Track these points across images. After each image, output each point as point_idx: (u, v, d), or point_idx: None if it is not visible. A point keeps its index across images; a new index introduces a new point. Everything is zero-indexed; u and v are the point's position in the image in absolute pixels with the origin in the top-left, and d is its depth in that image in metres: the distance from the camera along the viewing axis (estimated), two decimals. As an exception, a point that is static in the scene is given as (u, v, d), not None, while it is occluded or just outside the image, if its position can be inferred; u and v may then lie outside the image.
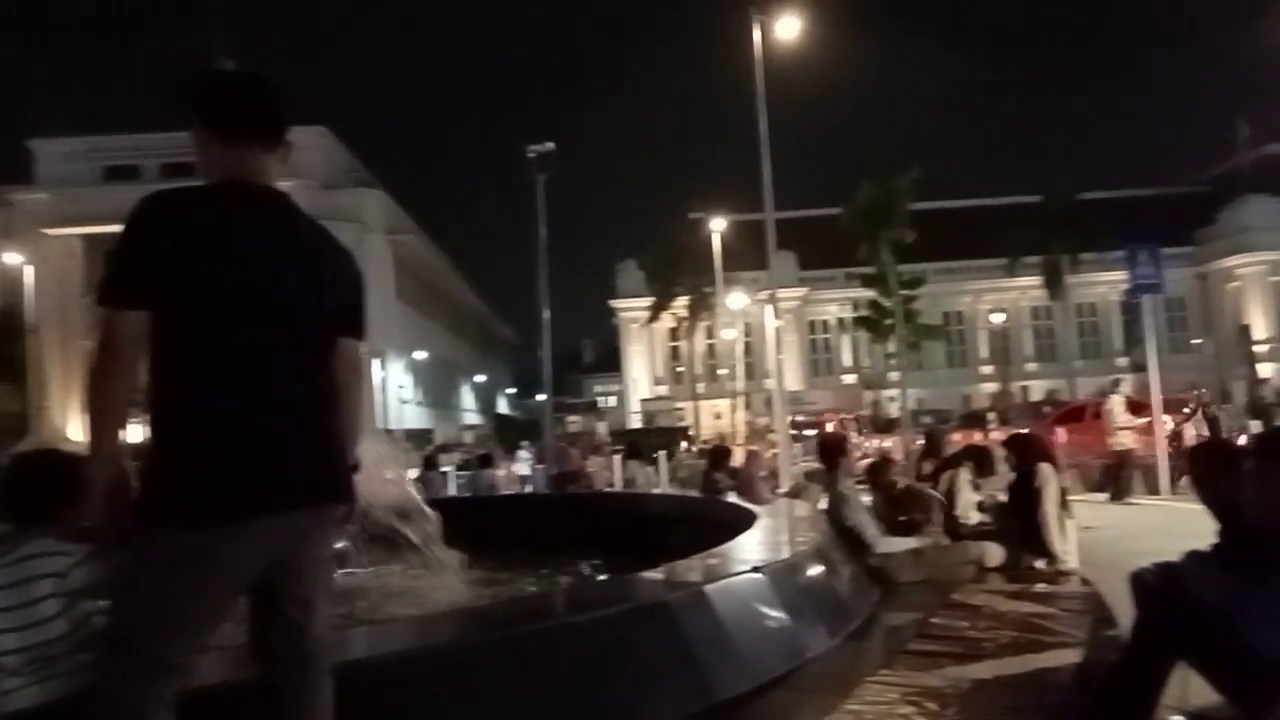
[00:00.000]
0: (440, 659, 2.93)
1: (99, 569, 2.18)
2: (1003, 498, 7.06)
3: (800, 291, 50.23)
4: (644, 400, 51.03)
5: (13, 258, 37.03)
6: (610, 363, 60.90)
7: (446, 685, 2.85)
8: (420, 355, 53.98)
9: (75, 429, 41.09)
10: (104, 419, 2.11)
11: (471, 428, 58.90)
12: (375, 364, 40.33)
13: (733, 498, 8.27)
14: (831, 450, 6.61)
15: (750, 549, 4.83)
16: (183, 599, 2.05)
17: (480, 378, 78.31)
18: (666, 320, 48.89)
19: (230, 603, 2.18)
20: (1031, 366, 55.02)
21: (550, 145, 14.17)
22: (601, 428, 45.13)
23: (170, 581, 2.04)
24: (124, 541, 2.12)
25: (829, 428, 27.46)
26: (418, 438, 38.11)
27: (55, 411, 41.81)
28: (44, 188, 44.93)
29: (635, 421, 47.71)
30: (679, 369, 52.77)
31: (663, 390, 52.71)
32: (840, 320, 53.39)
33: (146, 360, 2.13)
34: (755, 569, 4.11)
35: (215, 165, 2.27)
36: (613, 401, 59.41)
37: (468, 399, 74.80)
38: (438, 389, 62.26)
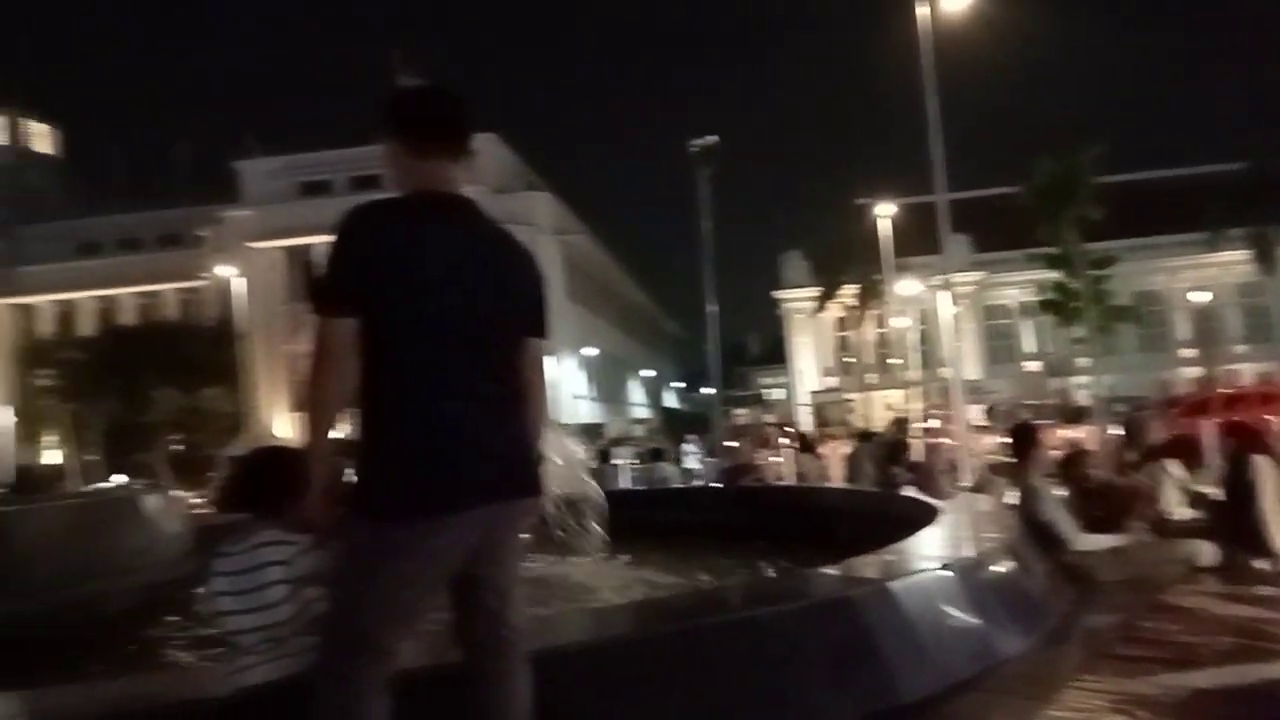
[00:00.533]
0: (625, 649, 2.99)
1: (319, 558, 2.36)
2: (1214, 492, 6.50)
3: (976, 276, 47.94)
4: (813, 392, 50.21)
5: (225, 270, 40.55)
6: (776, 355, 60.20)
7: (630, 675, 2.91)
8: (590, 352, 55.26)
9: (281, 427, 44.63)
10: (319, 419, 2.27)
11: (640, 422, 59.79)
12: (550, 361, 41.57)
13: (911, 492, 8.01)
14: (1022, 441, 6.27)
15: (934, 545, 4.67)
16: (393, 587, 2.19)
17: (648, 372, 79.36)
18: (834, 310, 47.85)
19: (435, 591, 2.31)
20: (1241, 348, 50.30)
21: (713, 139, 14.17)
22: (769, 420, 44.78)
23: (382, 570, 2.18)
24: (340, 533, 2.29)
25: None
26: (590, 432, 39.09)
27: (263, 411, 45.50)
28: (249, 204, 48.98)
29: (804, 414, 47.01)
30: (848, 359, 51.55)
31: (832, 381, 51.66)
32: (1021, 304, 50.63)
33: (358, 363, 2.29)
34: (942, 565, 3.97)
35: (407, 176, 2.40)
36: (780, 394, 58.73)
37: (636, 393, 75.99)
38: (608, 384, 63.58)
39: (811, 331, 52.43)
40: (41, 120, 66.11)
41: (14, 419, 45.02)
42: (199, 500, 18.26)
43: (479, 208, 2.45)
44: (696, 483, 19.94)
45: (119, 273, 54.24)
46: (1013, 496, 6.50)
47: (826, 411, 43.45)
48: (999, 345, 52.36)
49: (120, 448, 43.32)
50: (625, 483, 16.58)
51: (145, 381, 42.74)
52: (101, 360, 45.10)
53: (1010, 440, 6.04)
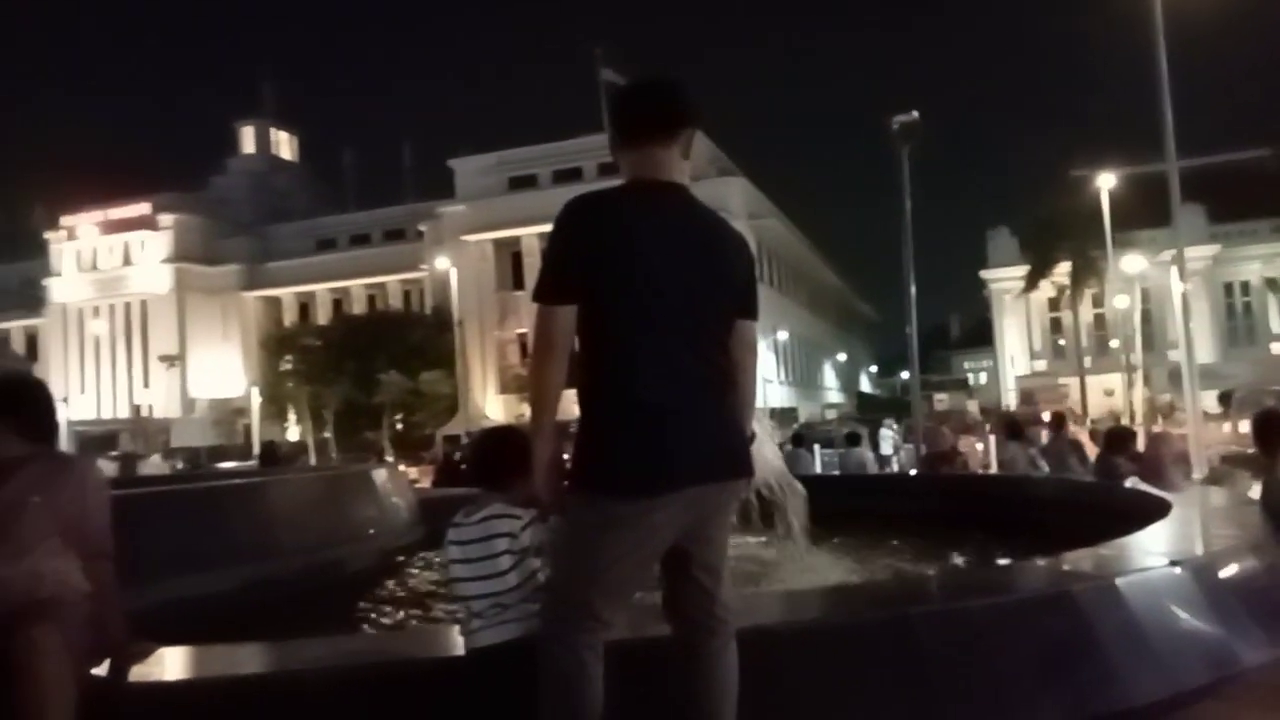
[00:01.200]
0: (834, 633, 3.00)
1: (541, 531, 2.53)
2: None
3: (1211, 249, 43.58)
4: (1020, 377, 47.45)
5: (442, 262, 43.23)
6: (980, 337, 57.35)
7: (838, 660, 2.92)
8: (782, 336, 54.76)
9: (492, 408, 47.09)
10: (543, 402, 2.43)
11: (833, 406, 58.69)
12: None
13: (1135, 484, 7.45)
14: (1269, 431, 5.69)
15: (1164, 540, 4.35)
16: (611, 560, 2.31)
17: (841, 356, 77.70)
18: (1045, 289, 44.91)
19: (650, 566, 2.43)
20: None
21: (914, 114, 13.65)
22: (972, 406, 42.75)
23: (600, 544, 2.31)
24: (562, 508, 2.45)
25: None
26: (782, 416, 38.80)
27: (475, 392, 48.18)
28: (462, 200, 51.93)
29: (1010, 399, 44.52)
30: (1060, 342, 48.31)
31: (1041, 365, 48.62)
32: (1267, 280, 45.62)
33: (577, 348, 2.43)
34: (1171, 562, 3.71)
35: (625, 166, 2.52)
36: (984, 378, 55.86)
37: (829, 378, 74.61)
38: (800, 368, 62.80)
39: (1020, 312, 49.51)
40: (283, 129, 72.83)
41: (260, 400, 49.98)
42: (417, 475, 19.67)
43: (690, 194, 2.53)
44: (894, 469, 19.42)
45: (351, 266, 59.17)
46: (1256, 491, 5.92)
47: (1036, 396, 40.86)
48: (1238, 325, 47.41)
49: (350, 427, 47.25)
50: (818, 469, 16.36)
51: (373, 366, 46.24)
52: (335, 347, 49.19)
53: (1254, 430, 5.47)
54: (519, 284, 50.07)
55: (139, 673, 2.74)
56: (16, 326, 63.49)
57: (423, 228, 54.28)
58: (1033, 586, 3.55)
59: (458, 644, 2.63)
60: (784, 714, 2.76)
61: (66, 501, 2.65)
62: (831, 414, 48.76)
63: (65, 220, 62.15)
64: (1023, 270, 44.95)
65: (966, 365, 63.05)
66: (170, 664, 2.85)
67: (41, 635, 2.37)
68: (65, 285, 61.73)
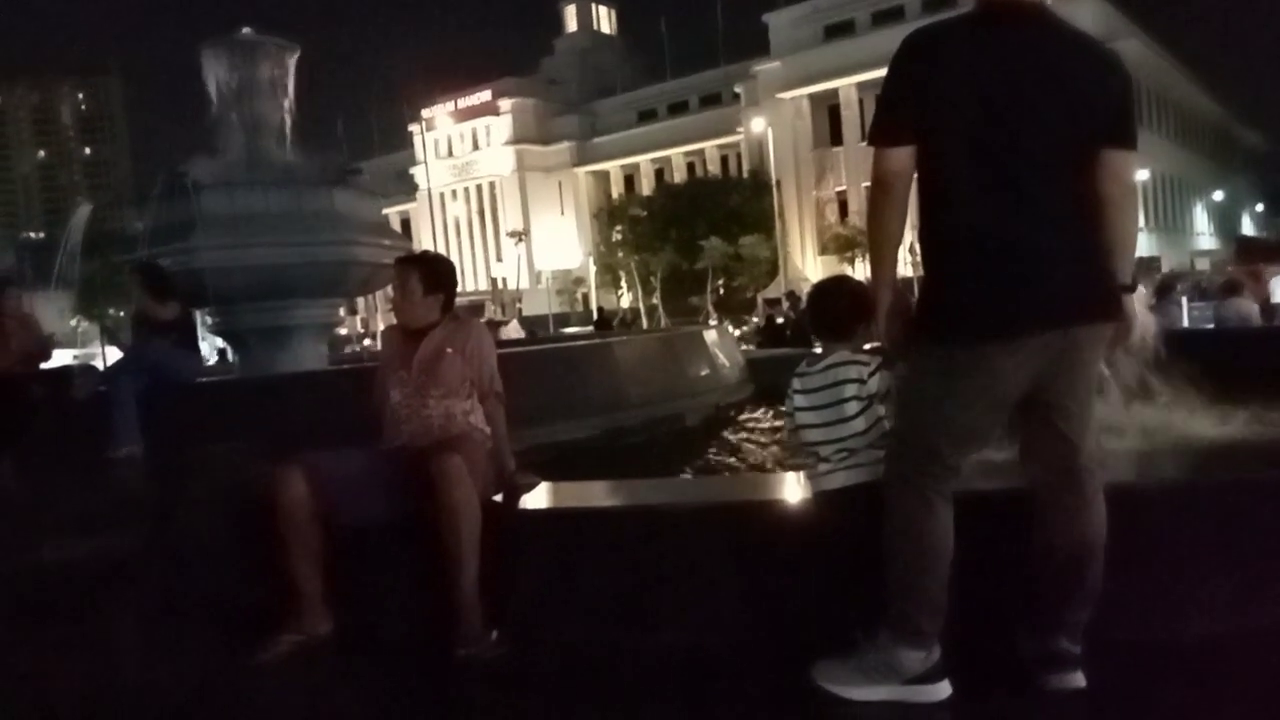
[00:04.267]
0: (1211, 491, 2.73)
1: (888, 378, 2.51)
2: None
3: None
4: None
5: (758, 124, 42.86)
6: None
7: (1213, 519, 2.67)
8: (1141, 174, 48.36)
9: (811, 270, 46.80)
10: (882, 249, 2.38)
11: (1205, 253, 51.38)
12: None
13: None
14: None
15: None
16: (955, 407, 2.26)
17: (1217, 195, 67.32)
18: None
19: (1000, 413, 2.32)
20: None
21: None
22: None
23: (943, 391, 2.26)
24: (906, 355, 2.41)
25: None
26: (1142, 265, 34.71)
27: (795, 255, 48.08)
28: (776, 56, 50.62)
29: None
30: None
31: None
32: None
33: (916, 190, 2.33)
34: None
35: None
36: None
37: (1201, 221, 65.19)
38: (1164, 211, 55.44)
39: None
40: (602, 3, 74.82)
41: (594, 269, 53.52)
42: (741, 336, 20.21)
43: (1049, 14, 2.27)
44: (1284, 323, 16.74)
45: (670, 135, 60.69)
46: None
47: None
48: None
49: (676, 291, 49.38)
50: (1186, 323, 14.52)
51: (696, 232, 47.61)
52: (659, 216, 51.12)
53: None
54: (836, 140, 48.44)
55: (527, 501, 3.15)
56: (394, 212, 72.62)
57: (738, 89, 53.84)
58: None
59: (805, 486, 2.72)
60: (1149, 574, 2.59)
61: (470, 353, 3.25)
62: (1202, 262, 42.78)
63: (425, 113, 69.13)
64: None
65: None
66: (550, 496, 3.24)
67: (455, 464, 2.84)
68: (428, 172, 69.34)
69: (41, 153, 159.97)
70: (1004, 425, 2.40)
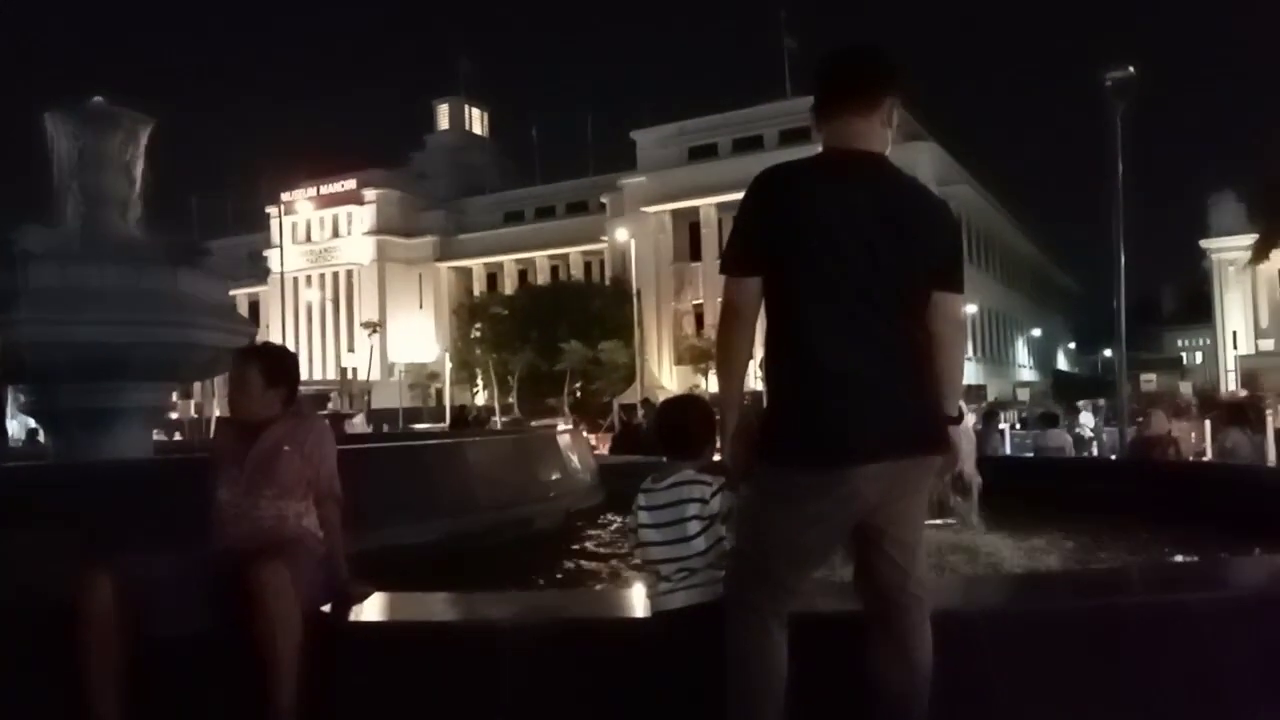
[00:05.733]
0: (1034, 620, 2.87)
1: (730, 498, 2.56)
2: None
3: None
4: (1243, 356, 43.26)
5: (621, 234, 44.02)
6: (1196, 313, 52.69)
7: (1038, 649, 2.79)
8: (971, 309, 52.29)
9: (667, 379, 47.73)
10: (729, 371, 2.45)
11: (1026, 384, 55.61)
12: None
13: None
14: None
15: None
16: (795, 530, 2.32)
17: (1036, 331, 73.33)
18: (1277, 260, 40.67)
19: (836, 538, 2.40)
20: None
21: (1130, 70, 12.60)
22: (1185, 388, 39.40)
23: (785, 514, 2.32)
24: (748, 477, 2.46)
25: None
26: (970, 394, 37.12)
27: (653, 362, 48.93)
28: (643, 171, 52.56)
29: (1229, 382, 40.72)
30: (1294, 319, 43.66)
31: (1268, 345, 44.12)
32: None
33: (762, 320, 2.43)
34: None
35: (823, 136, 2.48)
36: (1199, 358, 51.21)
37: (1022, 354, 70.65)
38: (989, 343, 59.84)
39: (1244, 285, 45.08)
40: (476, 105, 76.04)
41: (451, 365, 52.74)
42: (595, 441, 20.23)
43: (885, 164, 2.46)
44: (1094, 454, 18.18)
45: (536, 238, 61.45)
46: None
47: (1261, 379, 37.17)
48: None
49: (534, 392, 49.14)
50: (1007, 449, 15.53)
51: (556, 334, 47.84)
52: (520, 316, 51.21)
53: None
54: (696, 255, 50.23)
55: (357, 613, 2.99)
56: (242, 294, 69.82)
57: (604, 199, 55.36)
58: (1256, 584, 3.25)
59: (645, 605, 2.70)
60: (976, 701, 2.68)
61: (310, 452, 3.09)
62: (1024, 393, 46.20)
63: (284, 196, 67.56)
64: (1250, 239, 40.83)
65: (1180, 343, 57.96)
66: (384, 608, 3.08)
67: (278, 572, 2.66)
68: (283, 256, 67.32)
69: None
70: (843, 547, 2.48)
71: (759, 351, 2.40)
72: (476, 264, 64.63)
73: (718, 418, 2.52)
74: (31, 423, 10.97)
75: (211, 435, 3.50)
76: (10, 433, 6.83)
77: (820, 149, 2.47)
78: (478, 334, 54.56)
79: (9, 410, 6.09)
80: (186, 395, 23.65)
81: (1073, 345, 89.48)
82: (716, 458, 2.64)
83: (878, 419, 2.27)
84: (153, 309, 7.28)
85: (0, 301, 6.92)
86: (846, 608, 2.56)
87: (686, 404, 2.81)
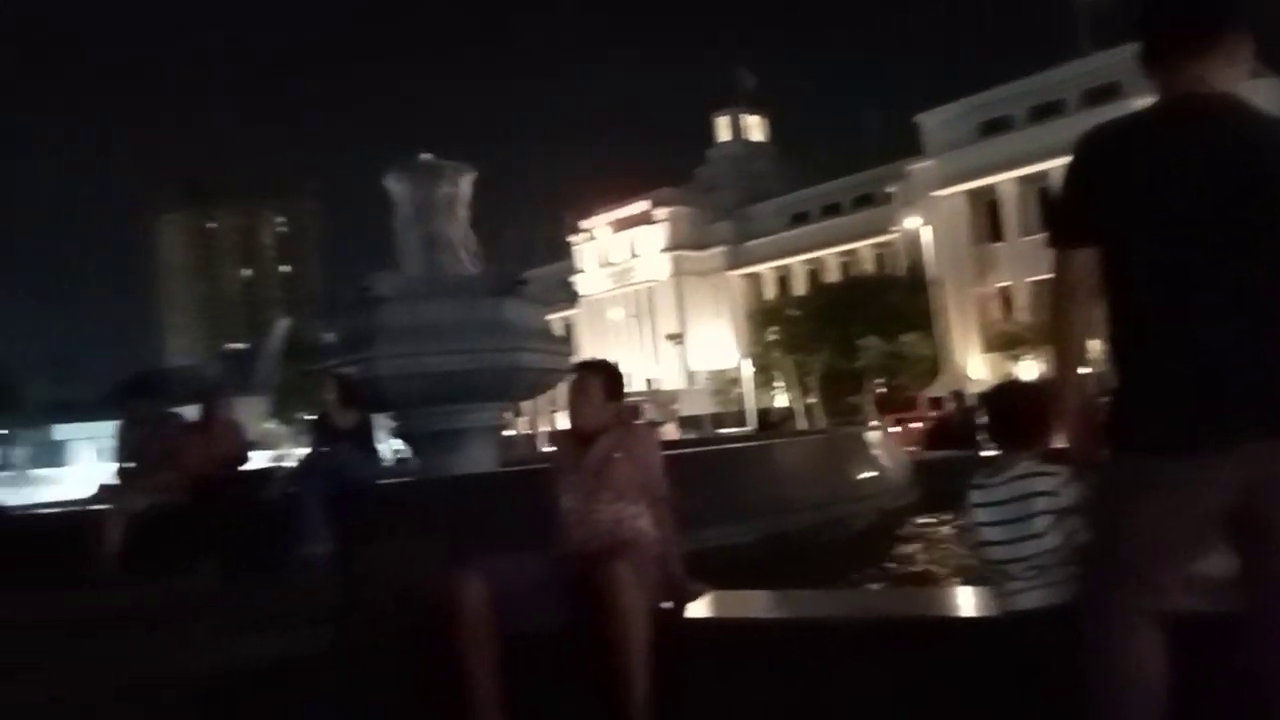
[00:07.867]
0: None
1: (1079, 489, 2.37)
2: None
3: None
4: None
5: (913, 221, 42.37)
6: None
7: None
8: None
9: (975, 368, 45.13)
10: (1066, 353, 2.27)
11: None
12: None
13: None
14: None
15: None
16: (1153, 520, 2.09)
17: None
18: None
19: (1207, 528, 2.13)
20: None
21: None
22: None
23: (1139, 503, 2.09)
24: (1096, 464, 2.26)
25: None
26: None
27: (957, 352, 46.49)
28: (931, 155, 50.24)
29: None
30: None
31: None
32: None
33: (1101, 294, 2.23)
34: None
35: (1155, 84, 2.24)
36: None
37: None
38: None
39: None
40: (754, 113, 76.90)
41: (751, 370, 53.46)
42: (903, 438, 19.52)
43: (1239, 105, 2.17)
44: None
45: (823, 236, 60.83)
46: None
47: None
48: None
49: (834, 391, 48.53)
50: None
51: (852, 332, 46.98)
52: (815, 316, 50.84)
53: None
54: (997, 235, 47.07)
55: (695, 610, 3.11)
56: (557, 318, 75.46)
57: (891, 189, 53.56)
58: None
59: (992, 606, 2.56)
60: None
61: (639, 457, 3.30)
62: None
63: (584, 224, 72.16)
64: None
65: None
66: (720, 605, 3.19)
67: (624, 569, 2.83)
68: (588, 280, 71.84)
69: (246, 271, 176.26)
70: (1221, 539, 2.20)
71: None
72: (766, 269, 65.10)
73: (1051, 403, 2.35)
74: (397, 444, 12.61)
75: (548, 448, 3.83)
76: (381, 455, 7.90)
77: (1155, 100, 2.23)
78: (774, 337, 54.81)
79: (378, 435, 7.05)
80: (518, 413, 25.92)
81: None
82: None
83: (1247, 396, 2.00)
84: (486, 338, 8.12)
85: (360, 340, 8.04)
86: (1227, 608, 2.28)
87: (1013, 390, 2.65)
